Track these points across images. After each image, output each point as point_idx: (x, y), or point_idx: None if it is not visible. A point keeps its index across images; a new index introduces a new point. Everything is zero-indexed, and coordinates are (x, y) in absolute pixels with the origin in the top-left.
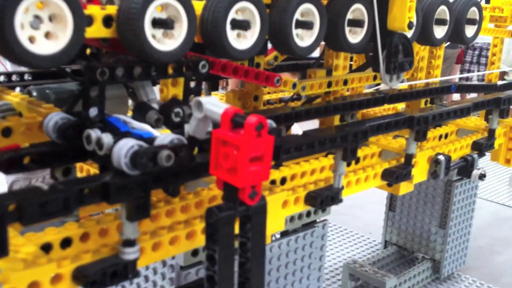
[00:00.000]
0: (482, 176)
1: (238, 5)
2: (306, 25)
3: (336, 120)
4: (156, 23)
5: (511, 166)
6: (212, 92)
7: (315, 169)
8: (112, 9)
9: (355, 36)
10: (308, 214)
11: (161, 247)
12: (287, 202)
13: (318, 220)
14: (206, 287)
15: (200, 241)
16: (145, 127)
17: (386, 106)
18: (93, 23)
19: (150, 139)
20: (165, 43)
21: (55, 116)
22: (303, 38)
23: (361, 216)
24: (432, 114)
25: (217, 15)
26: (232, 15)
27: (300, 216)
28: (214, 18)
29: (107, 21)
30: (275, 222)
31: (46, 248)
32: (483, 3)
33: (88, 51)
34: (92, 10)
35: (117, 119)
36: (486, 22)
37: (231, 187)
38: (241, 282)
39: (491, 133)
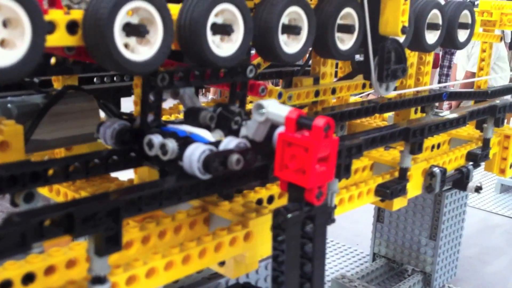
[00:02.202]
0: (478, 189)
1: (219, 8)
2: (293, 30)
3: None
4: (129, 30)
5: (506, 177)
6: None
7: None
8: (77, 14)
9: (345, 42)
10: None
11: (136, 281)
12: None
13: None
14: (278, 279)
15: (181, 272)
16: (200, 131)
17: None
18: (55, 30)
19: (215, 144)
20: (139, 51)
21: (112, 124)
22: (290, 44)
23: (347, 226)
24: (428, 125)
25: (196, 19)
26: (212, 19)
27: None
28: (192, 22)
29: (72, 27)
30: (262, 246)
31: (6, 285)
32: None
33: (53, 60)
34: (54, 15)
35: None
36: (477, 26)
37: (298, 187)
38: (301, 283)
39: (486, 142)
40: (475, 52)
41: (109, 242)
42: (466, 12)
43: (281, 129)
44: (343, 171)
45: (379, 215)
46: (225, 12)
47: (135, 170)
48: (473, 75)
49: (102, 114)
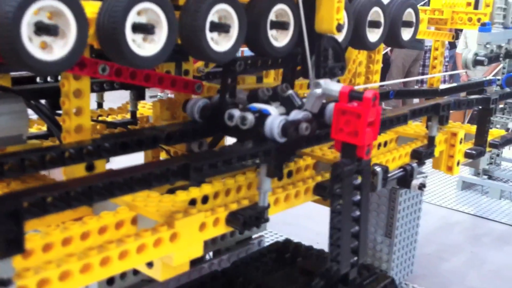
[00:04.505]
0: (422, 186)
1: (139, 7)
2: (222, 28)
3: None
4: (39, 29)
5: (453, 174)
6: (139, 102)
7: (241, 185)
8: None
9: (280, 39)
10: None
11: (48, 284)
12: (205, 225)
13: (254, 237)
14: (337, 218)
15: (99, 274)
16: (267, 107)
17: None
18: None
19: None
20: (50, 51)
21: (199, 100)
22: (219, 42)
23: (309, 226)
24: None
25: (114, 18)
26: (132, 17)
27: (232, 233)
28: (111, 21)
29: None
30: (191, 247)
31: None
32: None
33: None
34: None
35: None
36: (424, 25)
37: (351, 146)
38: (352, 226)
39: (431, 140)
40: None
41: (10, 245)
42: (410, 10)
43: (332, 105)
44: (274, 170)
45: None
46: (148, 12)
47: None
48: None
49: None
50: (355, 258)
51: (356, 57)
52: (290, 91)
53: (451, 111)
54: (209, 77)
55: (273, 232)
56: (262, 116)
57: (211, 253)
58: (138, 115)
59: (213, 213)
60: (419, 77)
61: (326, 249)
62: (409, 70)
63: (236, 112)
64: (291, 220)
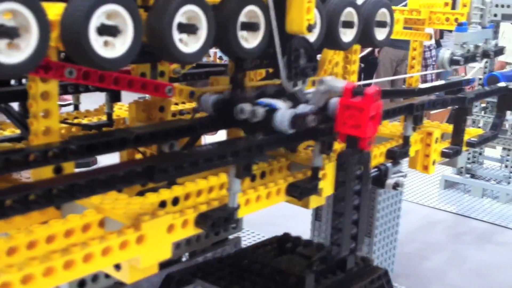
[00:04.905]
0: (396, 186)
1: (103, 9)
2: (190, 29)
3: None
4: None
5: (429, 173)
6: (115, 103)
7: (213, 186)
8: None
9: (250, 41)
10: (217, 232)
11: None
12: (174, 227)
13: (230, 238)
14: (338, 207)
15: (62, 277)
16: (275, 101)
17: None
18: None
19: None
20: (10, 54)
21: (212, 95)
22: (188, 44)
23: (292, 226)
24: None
25: (77, 21)
26: (96, 20)
27: (207, 235)
28: (74, 24)
29: None
30: (159, 249)
31: None
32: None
33: None
34: None
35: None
36: (400, 25)
37: (354, 138)
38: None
39: (406, 140)
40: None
41: None
42: (384, 10)
43: (334, 100)
44: (243, 171)
45: (317, 213)
46: (112, 13)
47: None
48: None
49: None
50: (354, 245)
51: (332, 57)
52: (297, 87)
53: (434, 111)
54: (187, 78)
55: (255, 233)
56: (271, 110)
57: (187, 255)
58: (114, 117)
59: (182, 215)
60: (392, 78)
61: None
62: (397, 70)
63: (247, 106)
64: (273, 221)
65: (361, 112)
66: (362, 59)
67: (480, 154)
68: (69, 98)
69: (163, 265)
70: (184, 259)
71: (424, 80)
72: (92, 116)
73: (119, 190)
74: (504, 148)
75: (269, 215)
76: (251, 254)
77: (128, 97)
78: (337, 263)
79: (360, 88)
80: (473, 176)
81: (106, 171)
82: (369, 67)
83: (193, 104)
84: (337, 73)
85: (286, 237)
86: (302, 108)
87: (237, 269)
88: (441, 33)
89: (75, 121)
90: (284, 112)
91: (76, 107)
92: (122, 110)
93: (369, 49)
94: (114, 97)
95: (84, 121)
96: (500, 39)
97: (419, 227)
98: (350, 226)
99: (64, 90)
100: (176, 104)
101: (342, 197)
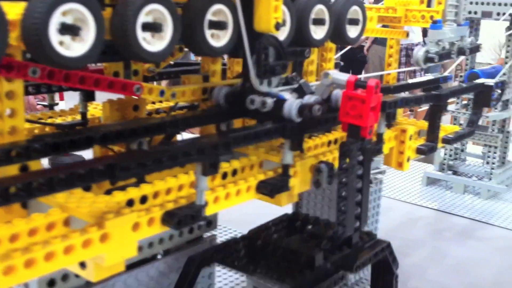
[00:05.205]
0: (369, 182)
1: (64, 7)
2: (154, 28)
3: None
4: None
5: (403, 170)
6: (89, 102)
7: (183, 184)
8: None
9: (218, 39)
10: (191, 230)
11: None
12: (139, 225)
13: (205, 236)
14: (342, 192)
15: (23, 276)
16: (282, 93)
17: None
18: None
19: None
20: None
21: (223, 88)
22: (152, 42)
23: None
24: (308, 123)
25: (37, 20)
26: (56, 18)
27: (181, 233)
28: (33, 23)
29: None
30: (124, 247)
31: None
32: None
33: None
34: None
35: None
36: (374, 23)
37: (355, 127)
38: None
39: (379, 137)
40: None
41: None
42: (355, 8)
43: (337, 92)
44: (209, 168)
45: (297, 210)
46: (73, 12)
47: None
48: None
49: None
50: (358, 224)
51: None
52: (302, 80)
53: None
54: (162, 77)
55: (232, 229)
56: (279, 101)
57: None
58: (89, 116)
59: (148, 213)
60: (379, 73)
61: None
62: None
63: (257, 97)
64: (254, 220)
65: (362, 103)
66: (344, 57)
67: (462, 151)
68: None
69: (133, 265)
70: (159, 256)
71: (414, 77)
72: (67, 116)
73: (87, 189)
74: (485, 145)
75: (249, 213)
76: (264, 235)
77: (109, 96)
78: (344, 240)
79: (362, 81)
80: (455, 172)
81: (66, 169)
82: (358, 65)
83: (171, 103)
84: (312, 71)
85: (295, 215)
86: (308, 98)
87: (252, 250)
88: (424, 31)
89: (49, 120)
90: (291, 102)
91: (51, 107)
92: (97, 109)
93: (348, 47)
94: (88, 97)
95: (58, 120)
96: (490, 36)
97: (400, 224)
98: (354, 208)
99: (37, 89)
100: (153, 103)
101: (345, 183)
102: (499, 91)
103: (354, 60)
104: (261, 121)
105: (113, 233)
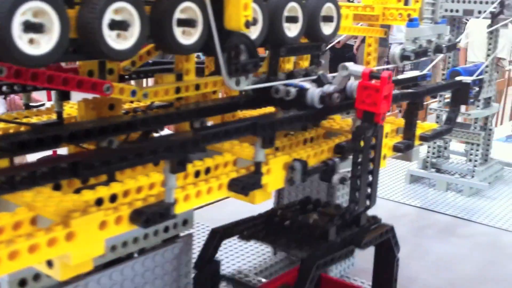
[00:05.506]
0: (343, 180)
1: (28, 5)
2: (121, 26)
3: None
4: None
5: (380, 167)
6: (65, 102)
7: (155, 183)
8: None
9: (188, 37)
10: (166, 229)
11: None
12: (106, 223)
13: (181, 235)
14: (356, 171)
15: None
16: (303, 83)
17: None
18: None
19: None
20: None
21: (251, 79)
22: (119, 41)
23: None
24: (279, 119)
25: (0, 18)
26: (20, 16)
27: (156, 232)
28: None
29: None
30: (91, 246)
31: None
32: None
33: None
34: None
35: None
36: (349, 21)
37: (370, 114)
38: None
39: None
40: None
41: None
42: (329, 5)
43: (351, 82)
44: (177, 166)
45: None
46: (37, 10)
47: None
48: (497, 60)
49: None
50: (368, 202)
51: None
52: (320, 72)
53: None
54: (140, 76)
55: (210, 227)
56: (301, 90)
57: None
58: (65, 116)
59: (115, 211)
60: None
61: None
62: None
63: (281, 87)
64: (235, 217)
65: (377, 92)
66: (334, 56)
67: (445, 148)
68: (40, 99)
69: (108, 264)
70: (136, 255)
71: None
72: (43, 115)
73: (57, 187)
74: (467, 143)
75: (227, 212)
76: (280, 213)
77: (85, 95)
78: (353, 220)
79: (376, 73)
80: (438, 170)
81: (28, 167)
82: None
83: (148, 102)
84: (288, 69)
85: (307, 199)
86: (327, 87)
87: (270, 225)
88: None
89: (24, 120)
90: (313, 91)
91: (28, 106)
92: (74, 108)
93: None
94: (63, 96)
95: (34, 120)
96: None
97: (383, 221)
98: (365, 187)
99: (11, 89)
100: (132, 102)
101: (359, 163)
102: (477, 89)
103: (343, 59)
104: (286, 108)
105: (79, 232)
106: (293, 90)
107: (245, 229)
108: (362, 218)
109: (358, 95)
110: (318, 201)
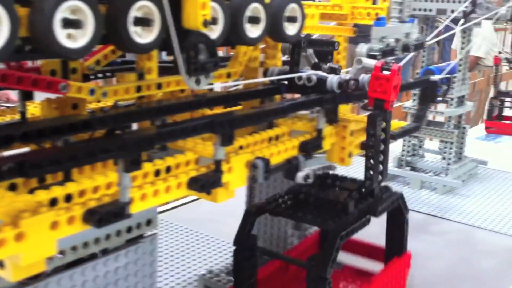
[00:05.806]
0: (306, 178)
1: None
2: (74, 24)
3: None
4: None
5: (346, 165)
6: (28, 101)
7: (112, 182)
8: None
9: (145, 36)
10: (129, 229)
11: None
12: (58, 223)
13: (146, 235)
14: (369, 152)
15: None
16: (320, 72)
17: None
18: None
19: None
20: None
21: (275, 68)
22: (74, 39)
23: (231, 222)
24: (238, 117)
25: None
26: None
27: (118, 232)
28: None
29: None
30: (42, 245)
31: None
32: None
33: None
34: None
35: None
36: (315, 20)
37: (381, 101)
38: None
39: (318, 133)
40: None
41: None
42: (293, 5)
43: (364, 76)
44: (131, 165)
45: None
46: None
47: None
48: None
49: None
50: (381, 178)
51: (246, 49)
52: (336, 65)
53: None
54: (105, 75)
55: (193, 230)
56: (320, 78)
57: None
58: (29, 116)
59: (68, 211)
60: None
61: None
62: None
63: (303, 75)
64: (214, 218)
65: (387, 82)
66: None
67: (420, 147)
68: (15, 99)
69: (71, 264)
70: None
71: None
72: (6, 115)
73: (12, 188)
74: (441, 141)
75: (207, 212)
76: (304, 190)
77: (48, 95)
78: (368, 192)
79: (387, 65)
80: (413, 168)
81: None
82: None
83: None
84: (255, 68)
85: (325, 174)
86: (344, 76)
87: (296, 202)
88: None
89: None
90: (332, 77)
91: None
92: (38, 108)
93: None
94: (26, 95)
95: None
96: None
97: None
98: (378, 166)
99: None
100: (99, 101)
101: (372, 145)
102: (445, 87)
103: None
104: (307, 94)
105: (29, 232)
106: (314, 77)
107: (275, 207)
108: (376, 190)
109: (370, 85)
110: (335, 176)
